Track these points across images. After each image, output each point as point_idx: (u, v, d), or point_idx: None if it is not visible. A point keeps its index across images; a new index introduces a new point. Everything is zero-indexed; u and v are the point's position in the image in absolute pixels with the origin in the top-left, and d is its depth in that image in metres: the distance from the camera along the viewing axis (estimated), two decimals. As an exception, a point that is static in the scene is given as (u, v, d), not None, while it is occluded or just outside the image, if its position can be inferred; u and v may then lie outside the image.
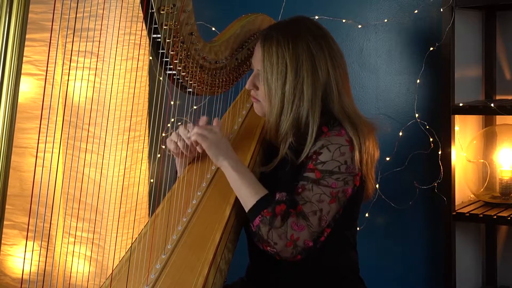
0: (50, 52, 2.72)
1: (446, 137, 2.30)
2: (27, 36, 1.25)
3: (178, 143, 1.76)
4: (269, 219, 1.55)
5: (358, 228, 1.87)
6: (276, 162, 1.72)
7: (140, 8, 1.60)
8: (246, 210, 1.61)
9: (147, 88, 2.79)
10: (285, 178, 1.70)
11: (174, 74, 1.72)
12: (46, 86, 2.79)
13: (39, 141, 2.75)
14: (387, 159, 2.52)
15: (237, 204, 1.65)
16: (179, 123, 1.81)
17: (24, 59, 1.27)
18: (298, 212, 1.56)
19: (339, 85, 1.70)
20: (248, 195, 1.61)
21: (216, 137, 1.69)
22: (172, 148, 1.79)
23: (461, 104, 2.27)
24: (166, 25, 1.62)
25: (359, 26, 2.61)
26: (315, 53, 1.69)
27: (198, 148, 1.74)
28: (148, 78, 2.80)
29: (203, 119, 1.77)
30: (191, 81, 1.77)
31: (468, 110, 2.28)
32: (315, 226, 1.57)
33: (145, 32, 1.64)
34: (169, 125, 2.54)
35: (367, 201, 1.82)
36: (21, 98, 2.82)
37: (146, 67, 2.77)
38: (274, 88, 1.69)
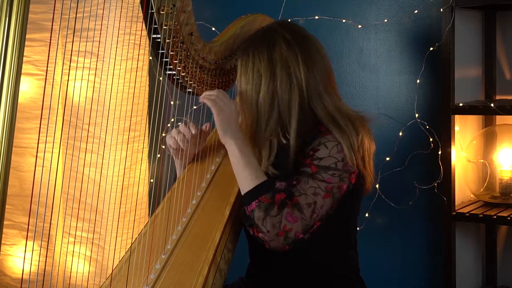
0: (50, 52, 2.72)
1: (446, 137, 2.30)
2: (27, 36, 1.25)
3: (178, 138, 1.76)
4: (266, 205, 1.55)
5: (358, 228, 1.87)
6: (271, 161, 1.72)
7: (140, 8, 1.60)
8: (243, 192, 1.60)
9: (147, 88, 2.79)
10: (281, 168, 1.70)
11: (174, 74, 1.72)
12: (46, 86, 2.79)
13: (39, 141, 2.75)
14: (387, 159, 2.52)
15: (237, 204, 1.65)
16: (179, 123, 1.81)
17: (24, 59, 1.27)
18: (294, 203, 1.57)
19: (319, 88, 1.70)
20: (248, 177, 1.61)
21: (229, 113, 1.66)
22: (171, 144, 1.79)
23: (461, 104, 2.27)
24: (166, 25, 1.62)
25: (359, 26, 2.61)
26: (289, 60, 1.69)
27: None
28: (148, 78, 2.80)
29: (207, 125, 1.78)
30: (191, 81, 1.77)
31: (468, 110, 2.28)
32: (308, 219, 1.57)
33: (145, 32, 1.64)
34: (169, 125, 2.54)
35: (367, 200, 1.82)
36: (21, 98, 2.82)
37: (146, 67, 2.77)
38: (249, 102, 1.70)
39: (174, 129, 1.79)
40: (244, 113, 1.73)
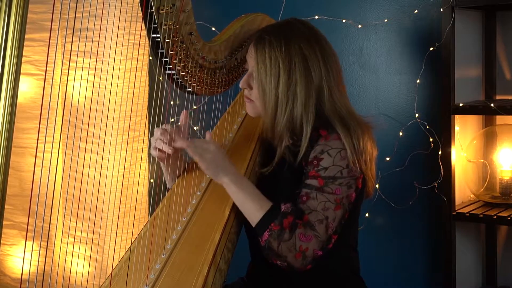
0: (49, 52, 2.72)
1: (446, 137, 2.30)
2: (27, 36, 1.25)
3: (161, 146, 1.72)
4: (277, 233, 1.55)
5: (358, 228, 1.87)
6: (274, 164, 1.72)
7: (140, 8, 1.60)
8: (253, 225, 1.61)
9: (147, 88, 2.79)
10: (283, 179, 1.70)
11: (174, 74, 1.72)
12: (45, 86, 2.79)
13: (39, 141, 2.75)
14: (387, 159, 2.52)
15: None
16: (172, 120, 1.80)
17: (24, 59, 1.27)
18: (305, 223, 1.56)
19: (332, 86, 1.70)
20: (253, 210, 1.60)
21: (212, 155, 1.64)
22: (155, 155, 1.75)
23: (461, 104, 2.27)
24: (165, 25, 1.62)
25: (359, 26, 2.61)
26: (308, 55, 1.69)
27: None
28: (147, 78, 2.80)
29: (182, 114, 1.77)
30: (190, 80, 1.77)
31: (468, 110, 2.28)
32: (322, 235, 1.57)
33: (144, 32, 1.63)
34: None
35: (367, 200, 1.82)
36: (20, 98, 2.82)
37: (146, 67, 2.77)
38: (268, 89, 1.69)
39: (152, 139, 1.75)
40: (264, 101, 1.71)
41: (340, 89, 1.73)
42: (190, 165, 1.84)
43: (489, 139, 2.43)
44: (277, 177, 1.72)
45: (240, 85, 1.78)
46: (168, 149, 1.71)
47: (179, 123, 1.79)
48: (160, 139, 1.72)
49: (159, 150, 1.74)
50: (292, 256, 1.55)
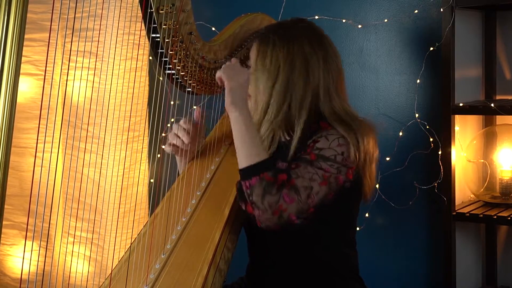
0: (49, 52, 2.72)
1: (446, 137, 2.30)
2: (26, 36, 1.25)
3: (176, 142, 1.77)
4: (267, 183, 1.54)
5: (358, 228, 1.87)
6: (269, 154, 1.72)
7: (139, 8, 1.60)
8: (242, 166, 1.58)
9: (147, 88, 2.79)
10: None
11: (173, 74, 1.72)
12: (45, 86, 2.79)
13: (39, 141, 2.75)
14: (387, 159, 2.52)
15: (236, 204, 1.65)
16: (168, 125, 1.82)
17: (24, 59, 1.27)
18: (291, 185, 1.56)
19: (331, 89, 1.71)
20: (251, 152, 1.58)
21: (239, 81, 1.62)
22: (169, 151, 1.80)
23: (461, 104, 2.27)
24: (165, 25, 1.62)
25: (359, 26, 2.61)
26: (309, 58, 1.69)
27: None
28: (147, 78, 2.80)
29: (197, 110, 1.79)
30: (190, 80, 1.77)
31: (468, 110, 2.28)
32: (303, 202, 1.56)
33: (144, 32, 1.63)
34: (169, 125, 2.54)
35: (366, 202, 1.81)
36: (20, 98, 2.82)
37: (146, 67, 2.77)
38: (263, 88, 1.70)
39: (169, 134, 1.79)
40: (256, 98, 1.72)
41: (339, 93, 1.73)
42: (190, 165, 1.84)
43: (489, 139, 2.42)
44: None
45: None
46: (184, 145, 1.78)
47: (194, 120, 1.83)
48: (177, 135, 1.77)
49: (174, 145, 1.79)
50: (271, 212, 1.53)
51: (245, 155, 1.59)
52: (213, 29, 2.70)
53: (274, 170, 1.56)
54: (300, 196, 1.56)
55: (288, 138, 1.72)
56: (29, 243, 2.84)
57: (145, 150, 2.84)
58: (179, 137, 1.80)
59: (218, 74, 1.64)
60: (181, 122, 1.79)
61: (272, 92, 1.69)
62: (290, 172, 1.59)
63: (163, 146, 1.85)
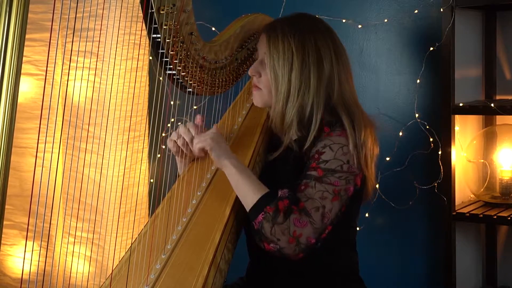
0: (50, 52, 2.72)
1: (446, 137, 2.30)
2: (27, 36, 1.25)
3: (178, 142, 1.77)
4: (272, 215, 1.54)
5: (358, 228, 1.87)
6: (280, 151, 1.73)
7: (140, 8, 1.60)
8: (248, 209, 1.60)
9: (147, 88, 2.79)
10: (286, 171, 1.70)
11: (174, 74, 1.72)
12: (46, 86, 2.79)
13: (39, 141, 2.75)
14: (387, 159, 2.52)
15: (237, 204, 1.65)
16: (179, 123, 1.81)
17: (24, 59, 1.27)
18: (300, 209, 1.56)
19: (342, 78, 1.71)
20: (250, 193, 1.60)
21: (216, 139, 1.69)
22: (171, 147, 1.79)
23: (461, 104, 2.27)
24: (166, 25, 1.62)
25: (359, 26, 2.61)
26: (320, 45, 1.71)
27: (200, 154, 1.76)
28: (148, 78, 2.80)
29: (198, 118, 1.78)
30: (191, 81, 1.77)
31: (468, 110, 2.28)
32: (318, 223, 1.56)
33: (145, 32, 1.63)
34: (169, 125, 2.54)
35: (366, 202, 1.82)
36: (21, 98, 2.82)
37: (146, 67, 2.77)
38: (281, 74, 1.70)
39: (174, 132, 1.79)
40: (276, 87, 1.71)
41: (349, 81, 1.74)
42: (190, 165, 1.84)
43: (489, 139, 2.43)
44: (278, 169, 1.73)
45: (249, 73, 1.78)
46: (186, 150, 1.77)
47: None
48: (182, 137, 1.77)
49: (175, 143, 1.79)
50: (285, 240, 1.53)
51: (245, 197, 1.61)
52: (213, 29, 2.70)
53: (275, 200, 1.57)
54: (313, 218, 1.56)
55: (299, 134, 1.71)
56: (29, 243, 2.84)
57: (146, 150, 2.84)
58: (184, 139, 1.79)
59: (197, 147, 1.71)
60: (188, 124, 1.78)
61: (290, 77, 1.69)
62: (298, 195, 1.59)
63: (164, 146, 1.85)
